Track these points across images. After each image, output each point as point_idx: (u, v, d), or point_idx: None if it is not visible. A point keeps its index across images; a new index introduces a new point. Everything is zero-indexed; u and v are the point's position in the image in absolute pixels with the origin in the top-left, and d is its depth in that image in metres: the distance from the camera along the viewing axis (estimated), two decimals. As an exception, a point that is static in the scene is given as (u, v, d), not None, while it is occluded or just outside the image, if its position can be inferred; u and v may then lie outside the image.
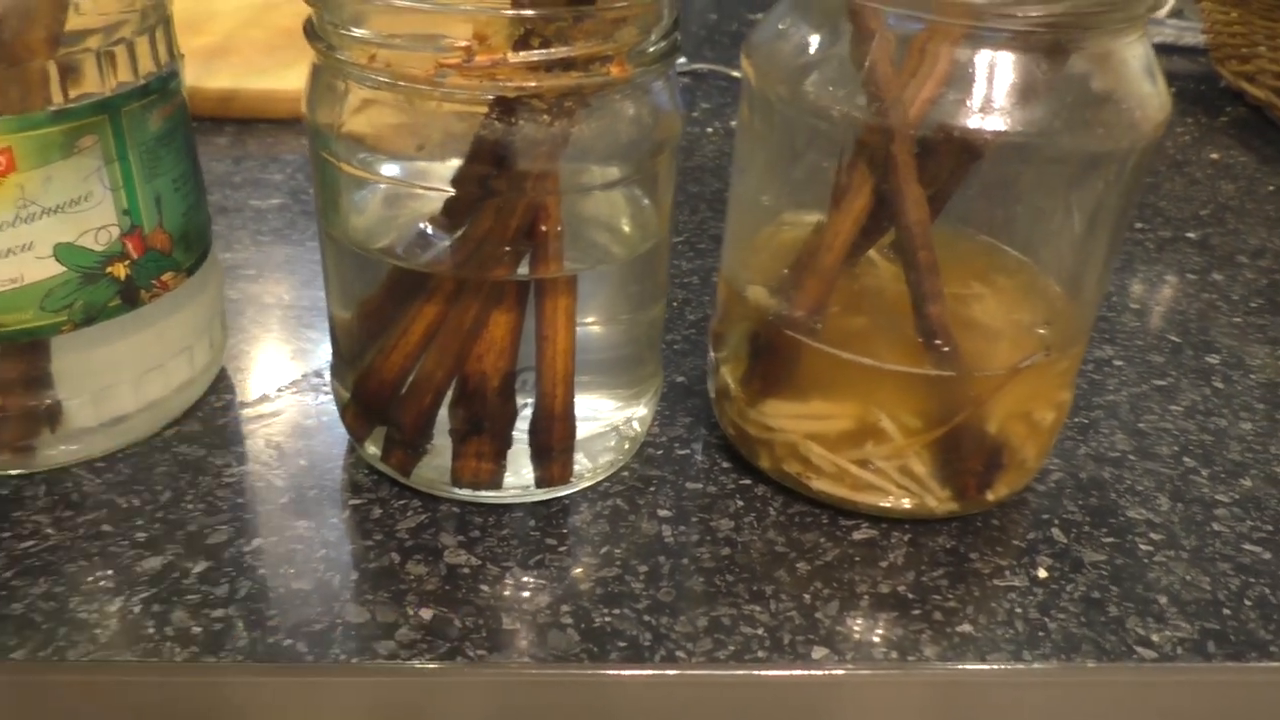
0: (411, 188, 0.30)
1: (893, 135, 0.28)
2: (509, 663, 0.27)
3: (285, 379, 0.37)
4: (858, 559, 0.31)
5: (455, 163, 0.27)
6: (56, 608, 0.27)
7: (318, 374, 0.37)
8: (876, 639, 0.28)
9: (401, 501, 0.32)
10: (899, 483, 0.31)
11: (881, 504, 0.32)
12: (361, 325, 0.32)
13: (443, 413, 0.31)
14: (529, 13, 0.25)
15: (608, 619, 0.28)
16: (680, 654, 0.27)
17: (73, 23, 0.27)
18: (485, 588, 0.29)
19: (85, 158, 0.28)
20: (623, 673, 0.27)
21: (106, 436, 0.32)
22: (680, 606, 0.29)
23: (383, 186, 0.30)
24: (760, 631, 0.28)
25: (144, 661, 0.26)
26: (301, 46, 0.28)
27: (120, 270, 0.30)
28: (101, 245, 0.29)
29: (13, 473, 0.32)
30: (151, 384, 0.33)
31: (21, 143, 0.27)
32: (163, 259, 0.31)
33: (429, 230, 0.30)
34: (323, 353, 0.39)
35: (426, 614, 0.28)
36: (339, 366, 0.33)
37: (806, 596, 0.29)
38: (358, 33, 0.26)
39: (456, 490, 0.32)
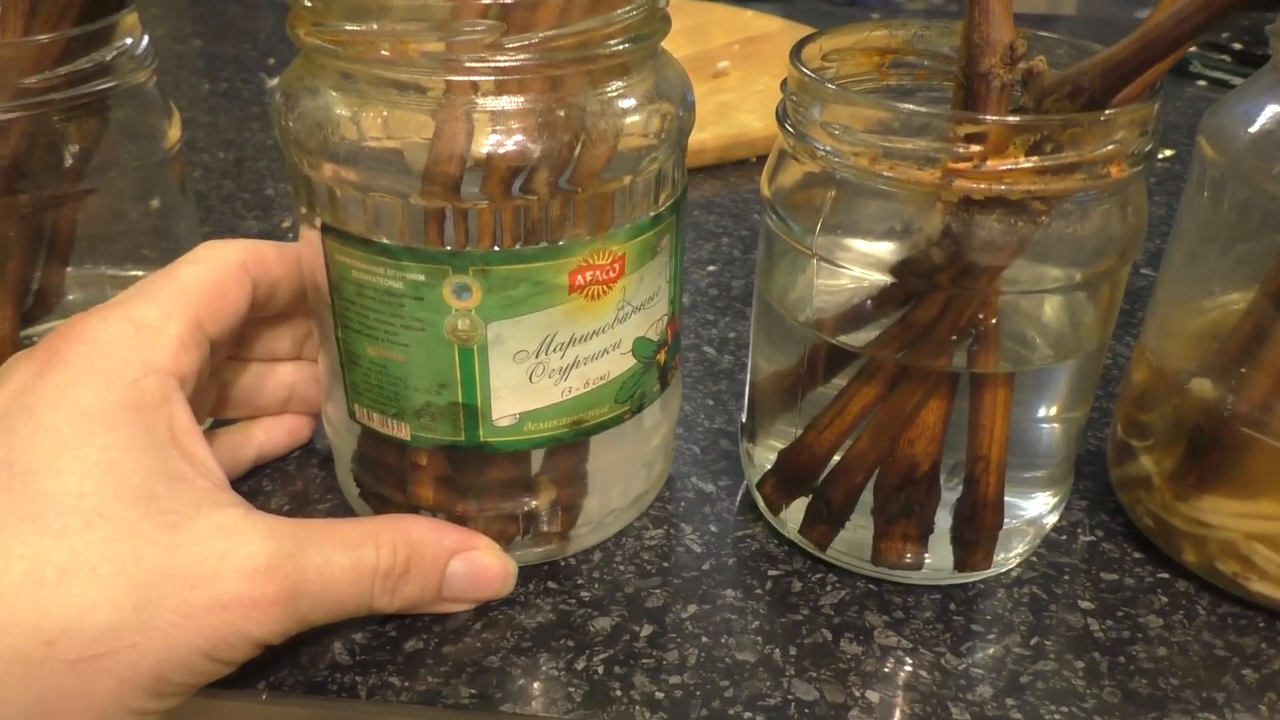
0: (854, 271, 0.31)
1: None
2: (972, 756, 0.27)
3: (675, 441, 0.38)
4: (1308, 670, 0.30)
5: (895, 247, 0.28)
6: (529, 663, 0.29)
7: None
8: (1356, 763, 0.27)
9: (818, 575, 0.33)
10: (1355, 592, 0.30)
11: (1332, 612, 0.30)
12: (787, 390, 0.32)
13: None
14: (1049, 118, 0.25)
15: (1057, 716, 0.28)
16: (1144, 761, 0.27)
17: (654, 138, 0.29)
18: (924, 673, 0.29)
19: (662, 256, 0.30)
20: (1093, 778, 0.26)
21: (619, 518, 0.34)
22: (1130, 710, 0.28)
23: (824, 264, 0.31)
24: (1223, 743, 0.27)
25: (622, 724, 0.28)
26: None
27: (663, 357, 0.32)
28: (656, 336, 0.31)
29: (552, 560, 0.33)
30: (659, 459, 0.35)
31: (631, 249, 0.29)
32: (677, 341, 0.33)
33: (868, 308, 0.30)
34: (689, 418, 0.40)
35: (873, 696, 0.29)
36: (757, 432, 0.34)
37: (1263, 708, 0.28)
38: (858, 134, 0.26)
39: (869, 566, 0.32)
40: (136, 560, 0.25)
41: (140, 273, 0.38)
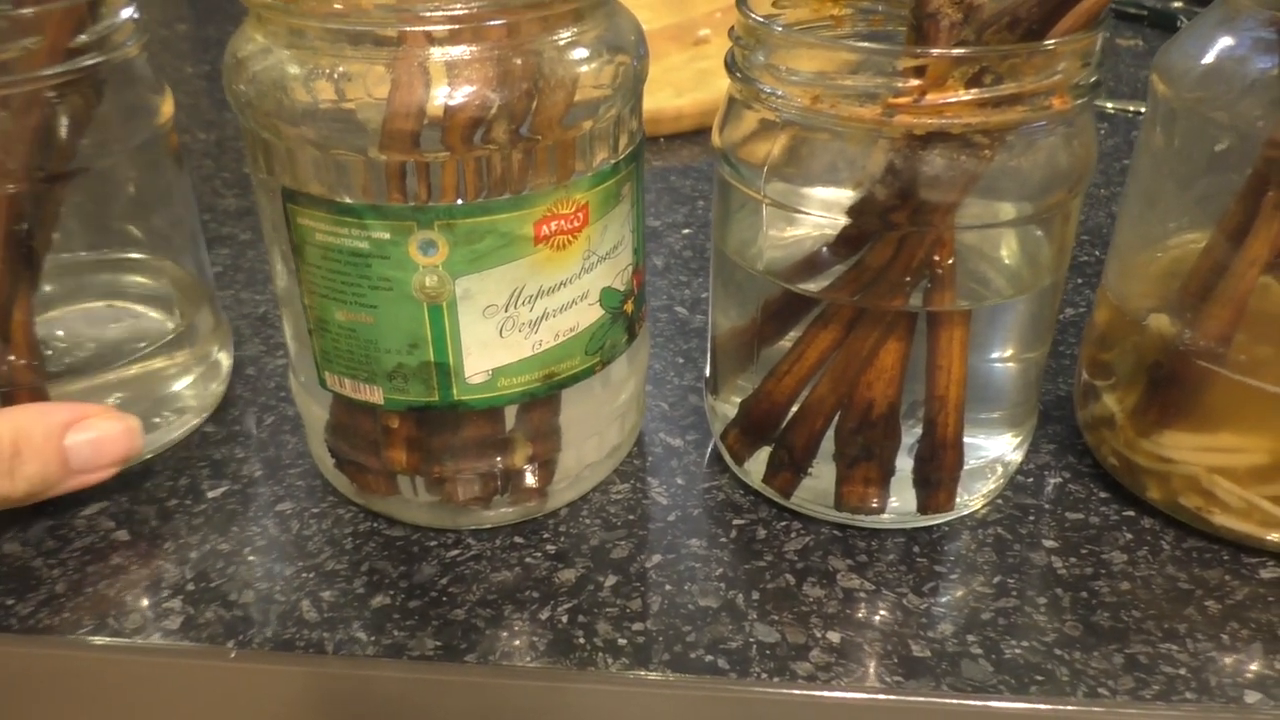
0: (810, 214, 0.31)
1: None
2: (931, 691, 0.27)
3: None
4: (1271, 599, 0.30)
5: (843, 189, 0.28)
6: (493, 615, 0.30)
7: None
8: (1315, 688, 0.27)
9: (783, 523, 0.33)
10: (1317, 522, 0.30)
11: (1295, 543, 0.30)
12: (745, 344, 0.33)
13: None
14: (987, 49, 0.25)
15: (1017, 651, 0.28)
16: (1103, 691, 0.27)
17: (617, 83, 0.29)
18: (885, 613, 0.30)
19: (624, 205, 0.30)
20: (1049, 708, 0.27)
21: (595, 471, 0.34)
22: (1090, 642, 0.28)
23: (778, 211, 0.31)
24: (1183, 672, 0.27)
25: (585, 670, 0.28)
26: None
27: (629, 307, 0.32)
28: (623, 285, 0.31)
29: (530, 518, 0.33)
30: (632, 410, 0.35)
31: (595, 197, 0.29)
32: (643, 292, 0.33)
33: (824, 254, 0.30)
34: (659, 375, 0.40)
35: (834, 637, 0.29)
36: (719, 385, 0.34)
37: (1225, 637, 0.28)
38: (804, 74, 0.26)
39: (834, 513, 0.32)
40: None
41: (134, 255, 0.37)
